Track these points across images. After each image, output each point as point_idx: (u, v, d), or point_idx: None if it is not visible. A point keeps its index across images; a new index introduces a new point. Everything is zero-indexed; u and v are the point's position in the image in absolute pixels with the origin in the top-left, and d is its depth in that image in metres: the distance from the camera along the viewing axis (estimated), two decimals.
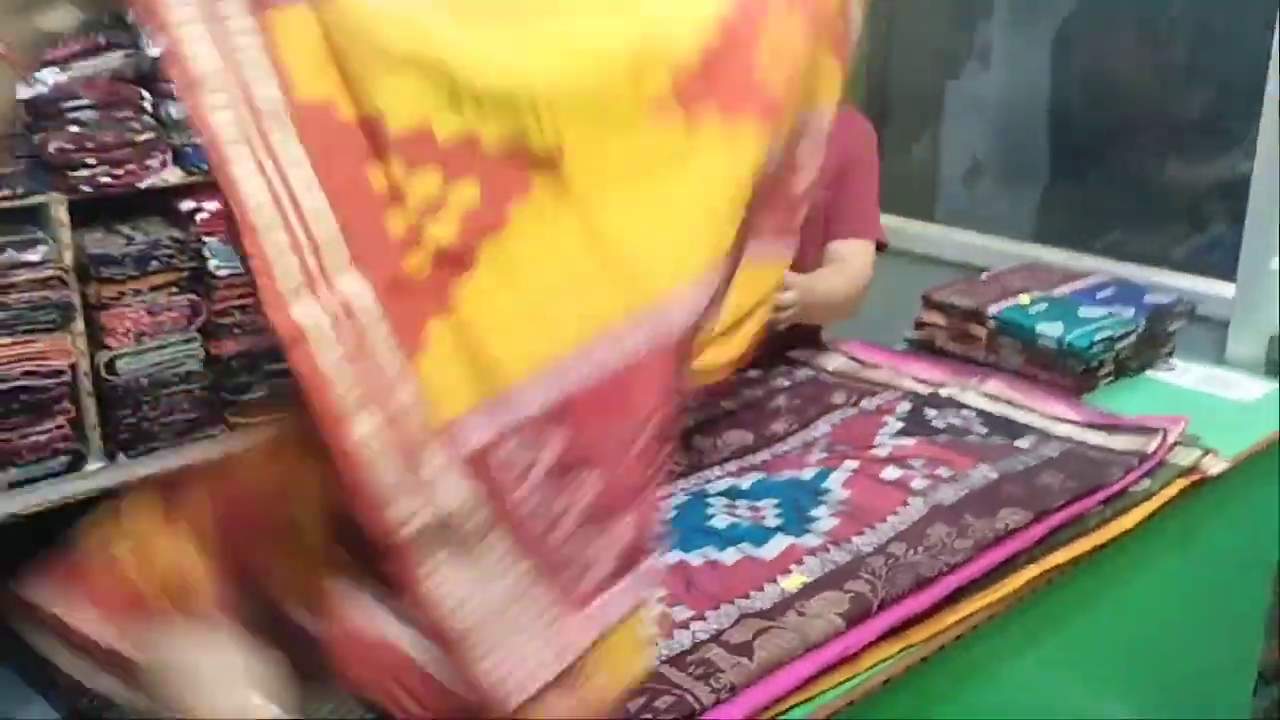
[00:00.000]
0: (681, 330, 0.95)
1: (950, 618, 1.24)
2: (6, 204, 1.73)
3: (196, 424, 1.99)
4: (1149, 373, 1.99)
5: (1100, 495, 1.43)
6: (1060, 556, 1.36)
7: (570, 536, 0.86)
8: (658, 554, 0.93)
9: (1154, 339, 1.98)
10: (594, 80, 0.95)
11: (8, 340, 1.75)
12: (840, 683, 1.14)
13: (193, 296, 1.94)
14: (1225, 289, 2.11)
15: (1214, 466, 1.57)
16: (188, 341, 1.96)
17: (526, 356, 0.86)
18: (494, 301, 0.86)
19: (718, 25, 1.03)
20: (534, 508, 0.85)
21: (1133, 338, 1.91)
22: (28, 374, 1.78)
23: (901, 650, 1.19)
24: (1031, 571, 1.33)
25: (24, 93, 1.69)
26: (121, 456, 1.93)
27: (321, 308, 0.77)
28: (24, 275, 1.75)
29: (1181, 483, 1.53)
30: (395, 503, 0.79)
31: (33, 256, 1.75)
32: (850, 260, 1.97)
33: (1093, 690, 1.60)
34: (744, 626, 1.13)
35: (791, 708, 1.09)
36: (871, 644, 1.16)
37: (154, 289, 1.89)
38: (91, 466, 1.90)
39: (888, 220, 2.77)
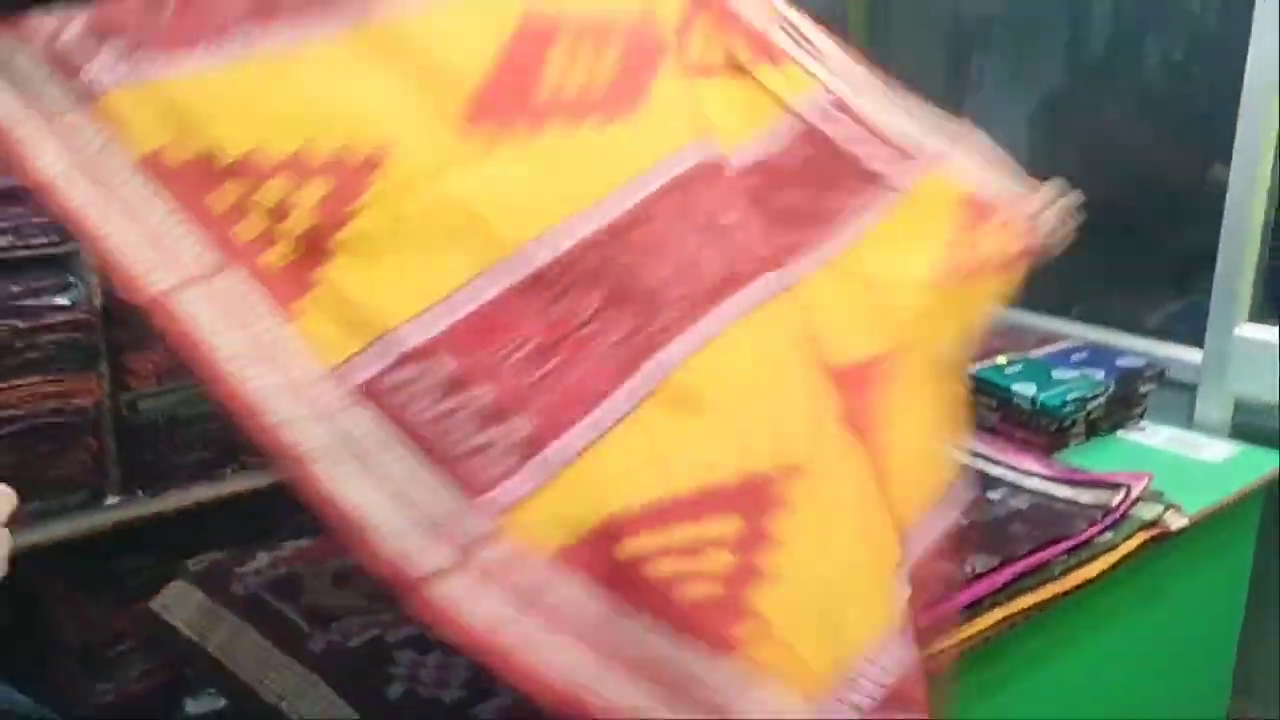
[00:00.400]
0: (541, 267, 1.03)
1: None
2: (41, 251, 1.83)
3: (211, 463, 2.08)
4: (1120, 433, 2.09)
5: (1065, 545, 1.52)
6: (1026, 601, 1.45)
7: (465, 433, 0.94)
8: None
9: (1125, 400, 2.08)
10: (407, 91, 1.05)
11: (38, 379, 1.84)
12: None
13: None
14: (1195, 355, 2.21)
15: (1175, 522, 1.66)
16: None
17: (402, 307, 0.97)
18: (361, 273, 0.97)
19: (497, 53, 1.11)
20: (428, 416, 0.94)
21: (1103, 399, 2.02)
22: (55, 411, 1.87)
23: None
24: (997, 614, 1.42)
25: None
26: (140, 492, 2.01)
27: (198, 293, 0.90)
28: (56, 318, 1.85)
29: (1143, 535, 1.62)
30: (293, 428, 0.89)
31: (64, 300, 1.85)
32: None
33: None
34: None
35: None
36: None
37: None
38: (110, 500, 1.98)
39: None
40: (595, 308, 1.03)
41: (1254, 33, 2.04)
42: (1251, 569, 2.00)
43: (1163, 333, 2.37)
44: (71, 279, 1.87)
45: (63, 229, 1.82)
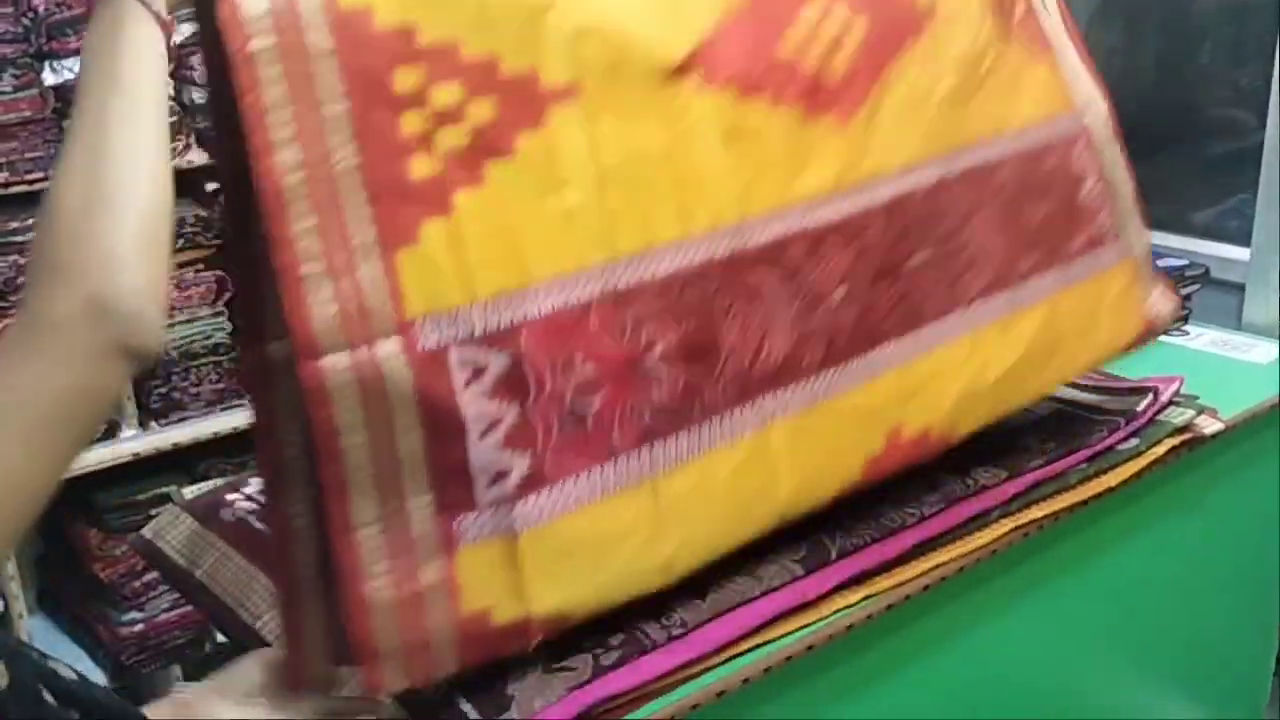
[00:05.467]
0: (634, 285, 0.99)
1: (917, 568, 1.26)
2: (40, 185, 1.82)
3: (225, 394, 2.08)
4: (1162, 338, 1.98)
5: (1083, 454, 1.43)
6: (1036, 512, 1.37)
7: (486, 447, 0.91)
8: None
9: None
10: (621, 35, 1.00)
11: None
12: (800, 627, 1.16)
13: (218, 272, 2.03)
14: (1243, 253, 2.09)
15: (1209, 426, 1.56)
16: (215, 315, 2.05)
17: (496, 281, 0.92)
18: (486, 221, 0.91)
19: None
20: (462, 415, 0.90)
21: None
22: None
23: (864, 598, 1.21)
24: (1005, 526, 1.35)
25: (50, 79, 1.78)
26: (154, 424, 2.03)
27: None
28: None
29: (1171, 441, 1.52)
30: (332, 353, 0.84)
31: None
32: None
33: (1086, 654, 1.60)
34: None
35: (749, 650, 1.12)
36: (832, 591, 1.19)
37: (181, 266, 1.99)
38: (126, 433, 2.00)
39: None
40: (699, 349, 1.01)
41: None
42: None
43: (1213, 232, 2.25)
44: None
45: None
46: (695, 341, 1.02)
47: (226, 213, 0.96)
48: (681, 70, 1.02)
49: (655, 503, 1.01)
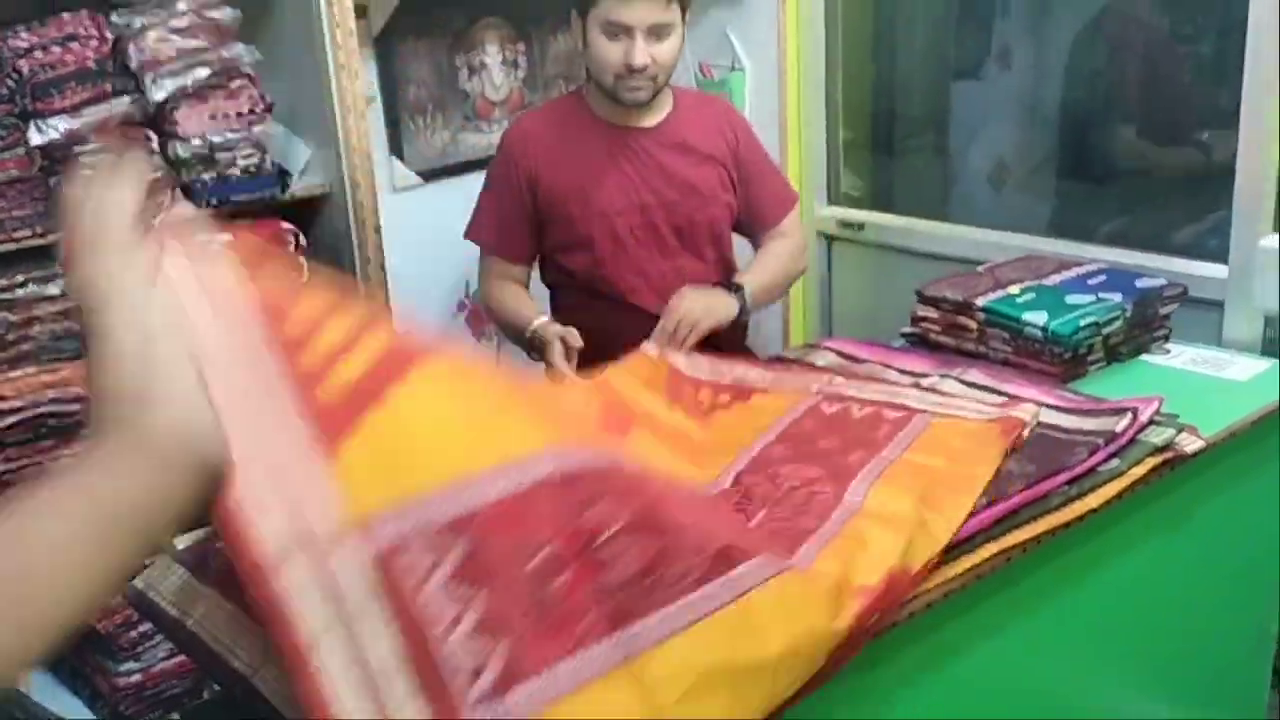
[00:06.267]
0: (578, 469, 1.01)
1: None
2: (28, 243, 1.85)
3: None
4: (1144, 356, 1.99)
5: (1063, 476, 1.44)
6: (1020, 535, 1.39)
7: (456, 642, 0.91)
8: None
9: (1145, 323, 1.99)
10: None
11: (34, 370, 1.87)
12: None
13: None
14: (1221, 270, 2.10)
15: (1190, 444, 1.57)
16: None
17: (436, 472, 0.93)
18: (405, 428, 0.92)
19: None
20: (427, 611, 0.89)
21: (1120, 322, 1.93)
22: (54, 400, 1.89)
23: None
24: (989, 550, 1.36)
25: (36, 139, 1.81)
26: None
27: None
28: (45, 309, 1.87)
29: (1152, 461, 1.53)
30: (284, 564, 0.84)
31: (53, 290, 1.87)
32: (791, 232, 2.26)
33: (1074, 675, 1.61)
34: None
35: None
36: None
37: None
38: None
39: (896, 221, 2.83)
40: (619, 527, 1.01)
41: None
42: None
43: (1191, 251, 2.26)
44: (58, 269, 1.89)
45: (44, 219, 1.84)
46: (649, 521, 1.05)
47: None
48: None
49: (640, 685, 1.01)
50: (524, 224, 2.12)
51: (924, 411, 1.59)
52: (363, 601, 0.88)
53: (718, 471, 1.51)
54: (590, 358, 1.92)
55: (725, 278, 2.16)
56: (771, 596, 1.11)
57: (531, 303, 2.15)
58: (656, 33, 1.94)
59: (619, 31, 1.93)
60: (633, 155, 2.09)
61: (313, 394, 0.88)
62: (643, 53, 1.93)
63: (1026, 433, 1.52)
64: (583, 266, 2.12)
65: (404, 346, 0.96)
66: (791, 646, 1.11)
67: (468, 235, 2.19)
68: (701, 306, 1.97)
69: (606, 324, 2.03)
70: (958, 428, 1.54)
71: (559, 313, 2.16)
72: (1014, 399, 1.65)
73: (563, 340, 1.94)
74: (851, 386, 1.71)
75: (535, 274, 2.26)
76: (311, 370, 0.89)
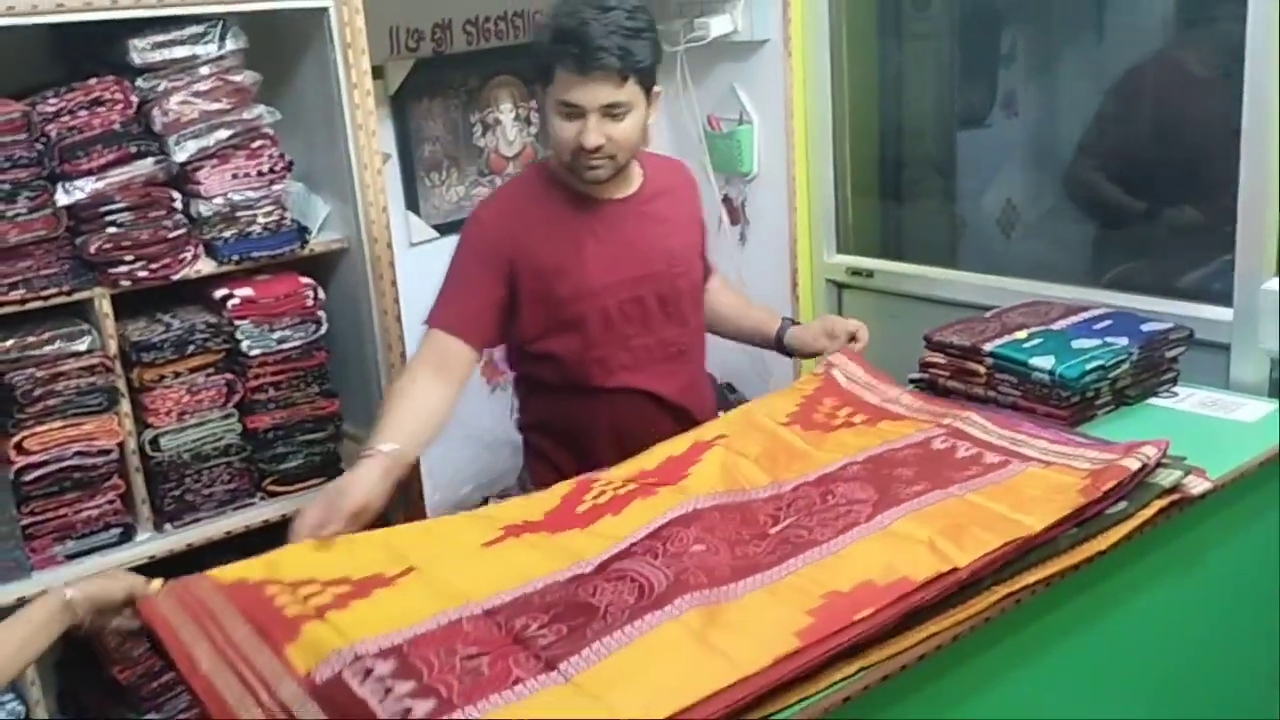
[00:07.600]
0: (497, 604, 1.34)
1: (912, 638, 1.29)
2: (55, 300, 1.89)
3: (236, 494, 2.12)
4: (1152, 400, 2.01)
5: (1071, 519, 1.46)
6: (1029, 577, 1.40)
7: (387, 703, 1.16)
8: None
9: (1152, 366, 2.01)
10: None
11: (60, 424, 1.90)
12: (797, 700, 1.19)
13: (229, 376, 2.08)
14: (1226, 314, 2.12)
15: (1197, 486, 1.59)
16: (225, 418, 2.09)
17: (373, 629, 1.28)
18: (356, 616, 1.32)
19: None
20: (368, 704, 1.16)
21: (1126, 365, 1.95)
22: (79, 454, 1.93)
23: (860, 670, 1.24)
24: (998, 592, 1.37)
25: (64, 200, 1.86)
26: (168, 527, 2.06)
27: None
28: (72, 364, 1.91)
29: (1160, 503, 1.55)
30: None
31: (80, 346, 1.91)
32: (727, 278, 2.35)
33: (1087, 716, 1.61)
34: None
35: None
36: (827, 663, 1.22)
37: (192, 370, 2.04)
38: (141, 537, 2.03)
39: (904, 268, 2.85)
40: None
41: None
42: None
43: (1197, 294, 2.28)
44: (85, 325, 1.93)
45: (70, 278, 1.89)
46: (566, 613, 1.31)
47: None
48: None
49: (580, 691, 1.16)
50: (494, 310, 1.95)
51: (1030, 459, 1.63)
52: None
53: (794, 478, 1.64)
54: (572, 458, 1.96)
55: (702, 339, 2.14)
56: (717, 610, 1.28)
57: (418, 425, 1.83)
58: (611, 113, 1.84)
59: (573, 112, 1.84)
60: (610, 228, 1.98)
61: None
62: (596, 134, 1.83)
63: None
64: (571, 350, 1.98)
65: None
66: (742, 646, 1.21)
67: (429, 322, 1.94)
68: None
69: (592, 416, 2.01)
70: (1046, 479, 1.56)
71: (535, 414, 2.10)
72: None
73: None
74: (976, 428, 1.75)
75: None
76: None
